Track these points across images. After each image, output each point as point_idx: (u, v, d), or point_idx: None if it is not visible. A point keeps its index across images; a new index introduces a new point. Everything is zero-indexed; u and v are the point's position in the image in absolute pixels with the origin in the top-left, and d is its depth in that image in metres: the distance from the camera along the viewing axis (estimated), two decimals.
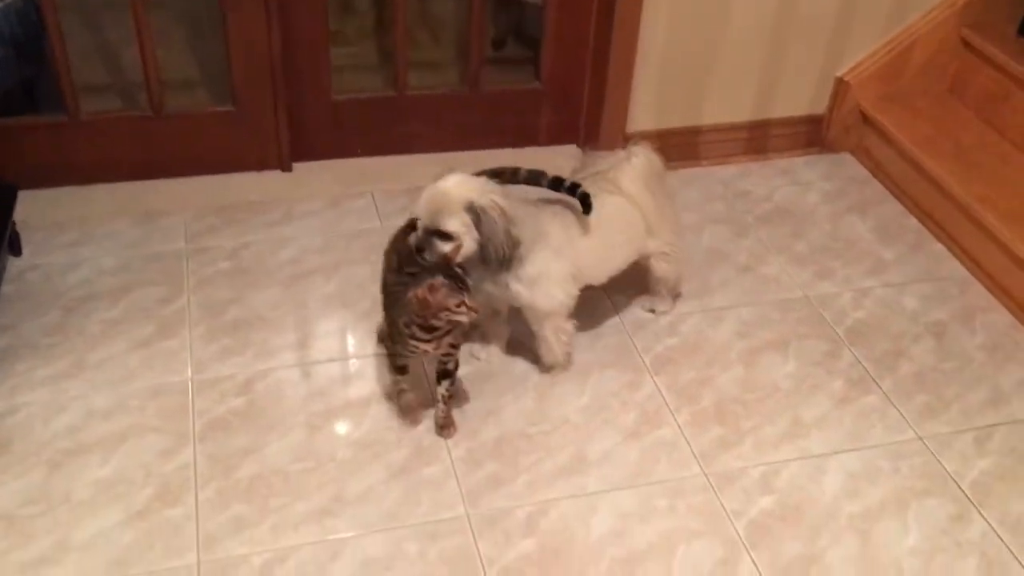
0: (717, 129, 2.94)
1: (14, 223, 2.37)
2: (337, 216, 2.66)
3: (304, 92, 2.74)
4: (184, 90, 3.08)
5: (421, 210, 1.87)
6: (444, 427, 2.01)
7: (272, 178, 2.80)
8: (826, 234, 2.69)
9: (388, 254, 2.00)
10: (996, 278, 2.47)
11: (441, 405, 1.99)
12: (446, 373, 1.96)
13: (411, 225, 1.92)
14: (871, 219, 2.76)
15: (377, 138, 2.89)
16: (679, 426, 2.08)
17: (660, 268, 2.26)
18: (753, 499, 1.93)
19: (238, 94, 2.68)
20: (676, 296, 2.39)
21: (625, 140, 2.87)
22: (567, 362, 2.18)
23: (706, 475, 1.98)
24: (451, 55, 3.42)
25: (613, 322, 2.35)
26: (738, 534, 1.86)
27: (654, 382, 2.19)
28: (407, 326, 1.81)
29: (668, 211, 2.24)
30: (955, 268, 2.57)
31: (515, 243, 1.90)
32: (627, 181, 2.12)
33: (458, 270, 1.80)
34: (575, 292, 2.08)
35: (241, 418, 2.04)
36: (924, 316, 2.40)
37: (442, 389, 1.97)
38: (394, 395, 2.01)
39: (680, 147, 2.93)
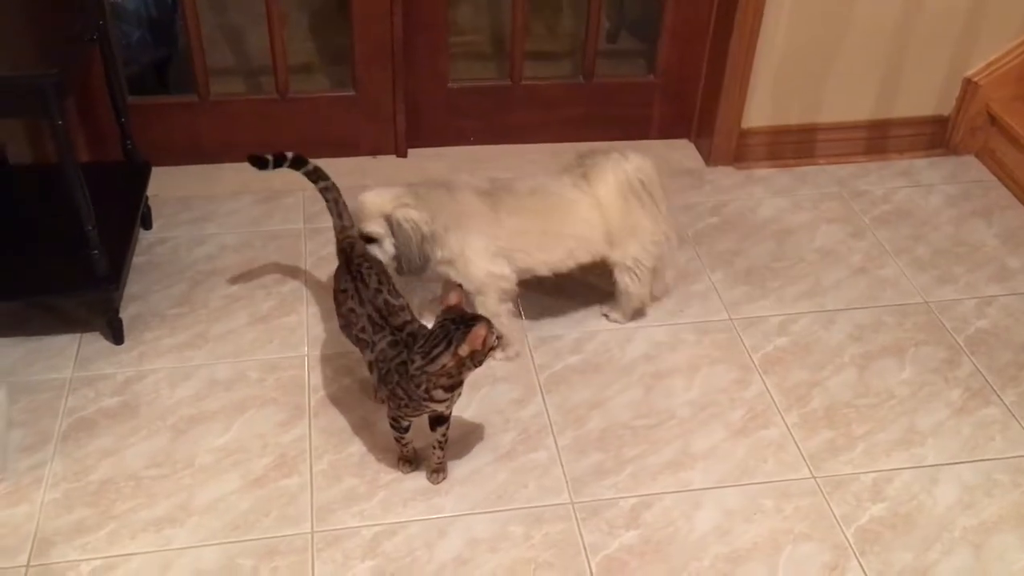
0: (836, 127, 2.88)
1: (147, 198, 2.48)
2: None
3: (422, 78, 2.79)
4: (306, 74, 3.17)
5: (354, 219, 2.03)
6: (437, 472, 1.91)
7: (387, 163, 2.86)
8: (948, 238, 2.61)
9: (370, 333, 1.84)
10: None
11: (438, 451, 1.89)
12: (442, 419, 1.86)
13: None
14: (996, 224, 2.66)
15: (489, 126, 2.92)
16: (787, 427, 2.05)
17: (621, 281, 2.20)
18: (863, 505, 1.89)
19: (359, 78, 2.75)
20: (636, 314, 2.31)
21: (740, 136, 2.84)
22: (506, 345, 2.15)
23: (815, 478, 1.95)
24: (565, 46, 3.42)
25: (722, 319, 2.33)
26: (847, 540, 1.83)
27: (763, 381, 2.16)
28: (428, 392, 1.72)
29: (645, 227, 2.14)
30: None
31: (426, 257, 2.02)
32: (601, 184, 2.09)
33: (468, 312, 1.74)
34: (506, 272, 2.08)
35: (352, 396, 2.10)
36: None
37: (438, 435, 1.87)
38: (398, 451, 1.93)
39: (796, 144, 2.88)
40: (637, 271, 2.18)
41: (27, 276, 2.16)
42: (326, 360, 2.18)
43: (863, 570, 1.77)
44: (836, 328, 2.31)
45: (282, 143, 2.78)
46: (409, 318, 1.82)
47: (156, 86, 3.05)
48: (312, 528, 1.82)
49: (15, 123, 2.53)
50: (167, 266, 2.43)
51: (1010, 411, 2.09)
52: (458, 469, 1.94)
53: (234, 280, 2.39)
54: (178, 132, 2.74)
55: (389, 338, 1.78)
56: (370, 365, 1.83)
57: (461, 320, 1.69)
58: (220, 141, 2.77)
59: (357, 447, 1.98)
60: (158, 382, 2.11)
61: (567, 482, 1.92)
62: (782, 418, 2.07)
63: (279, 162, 2.04)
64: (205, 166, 2.78)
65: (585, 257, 2.15)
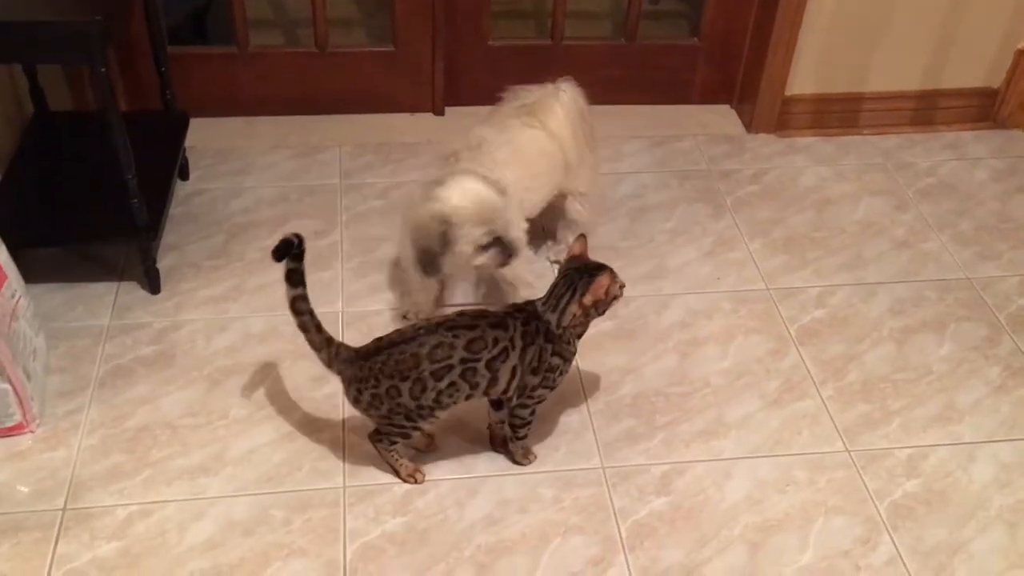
0: (882, 97, 2.82)
1: (185, 149, 2.48)
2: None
3: (462, 36, 2.76)
4: (344, 28, 3.14)
5: (467, 224, 1.84)
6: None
7: (425, 121, 2.84)
8: (993, 214, 2.56)
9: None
10: None
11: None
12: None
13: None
14: None
15: (529, 86, 2.88)
16: (823, 399, 2.04)
17: (574, 209, 2.24)
18: (897, 481, 1.87)
19: (399, 34, 2.72)
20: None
21: (783, 103, 2.79)
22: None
23: (849, 452, 1.93)
24: (608, 6, 3.37)
25: (759, 288, 2.31)
26: (879, 514, 1.81)
27: (799, 352, 2.14)
28: (573, 345, 1.74)
29: (587, 153, 2.20)
30: None
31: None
32: (551, 117, 2.11)
33: (592, 261, 1.74)
34: (525, 226, 2.05)
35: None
36: None
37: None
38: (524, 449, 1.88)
39: (841, 113, 2.83)
40: (587, 193, 2.24)
41: (66, 223, 2.17)
42: (360, 317, 2.18)
43: (895, 545, 1.76)
44: (875, 301, 2.28)
45: (319, 97, 2.79)
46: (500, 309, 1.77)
47: (195, 37, 3.04)
48: (344, 483, 1.83)
49: (56, 70, 2.54)
50: (204, 218, 2.44)
51: None
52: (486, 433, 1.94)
53: (270, 233, 2.39)
54: (216, 83, 2.73)
55: (522, 329, 1.71)
56: (513, 374, 1.71)
57: (585, 269, 1.70)
58: (258, 94, 2.76)
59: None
60: (194, 333, 2.12)
61: (598, 447, 1.92)
62: (817, 390, 2.05)
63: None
64: (243, 119, 2.77)
65: (554, 190, 2.19)
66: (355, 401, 1.73)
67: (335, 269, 2.30)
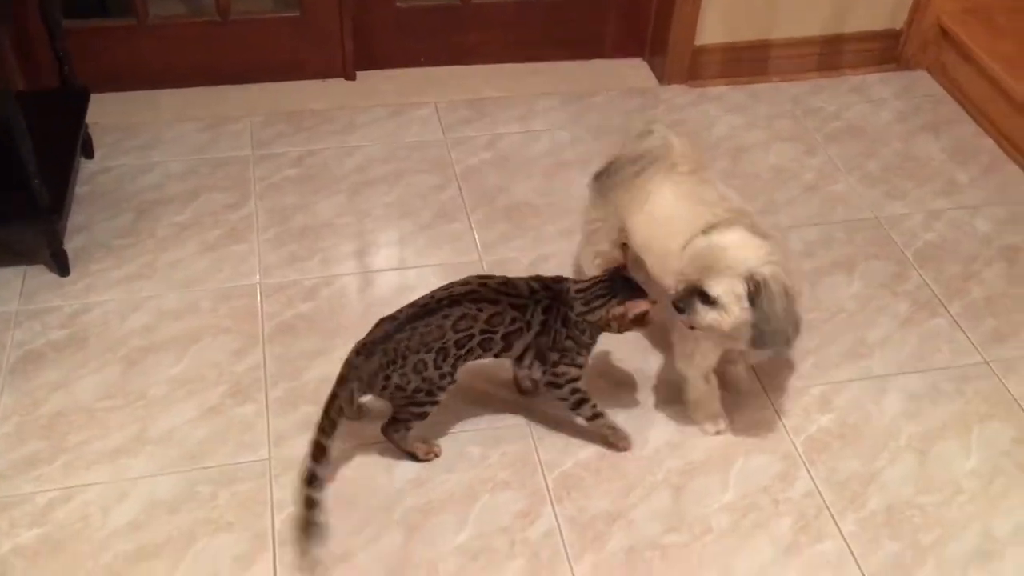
0: (789, 43, 2.86)
1: (87, 126, 2.41)
2: (400, 126, 2.66)
3: None
4: None
5: (687, 262, 1.66)
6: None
7: (336, 86, 2.80)
8: (898, 154, 2.62)
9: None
10: None
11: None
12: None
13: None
14: (945, 139, 2.68)
15: (440, 47, 2.86)
16: None
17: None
18: (812, 417, 1.93)
19: None
20: None
21: (694, 54, 2.81)
22: None
23: (766, 394, 1.98)
24: None
25: None
26: (796, 450, 1.87)
27: None
28: (591, 336, 1.75)
29: None
30: None
31: (796, 324, 1.66)
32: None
33: (631, 276, 1.73)
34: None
35: (308, 322, 2.08)
36: (997, 239, 2.35)
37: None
38: (611, 435, 1.86)
39: (750, 62, 2.86)
40: None
41: None
42: (279, 288, 2.16)
43: (812, 478, 1.82)
44: (787, 245, 2.33)
45: (225, 66, 2.73)
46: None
47: (95, 9, 2.93)
48: (270, 454, 1.82)
49: None
50: (111, 196, 2.37)
51: (956, 322, 2.14)
52: None
53: (181, 209, 2.34)
54: (117, 57, 2.65)
55: (538, 308, 1.74)
56: (526, 348, 1.76)
57: (627, 284, 1.71)
58: (161, 65, 2.68)
59: (313, 374, 1.97)
60: (107, 314, 2.07)
61: (522, 402, 1.94)
62: None
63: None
64: (147, 92, 2.69)
65: None
66: (382, 389, 1.71)
67: (250, 241, 2.27)
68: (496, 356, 1.77)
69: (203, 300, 2.12)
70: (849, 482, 1.82)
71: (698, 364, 1.83)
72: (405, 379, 1.70)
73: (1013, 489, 1.81)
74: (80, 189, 2.37)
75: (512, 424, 1.90)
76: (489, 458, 1.84)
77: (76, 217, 2.30)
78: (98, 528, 1.68)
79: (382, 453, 1.83)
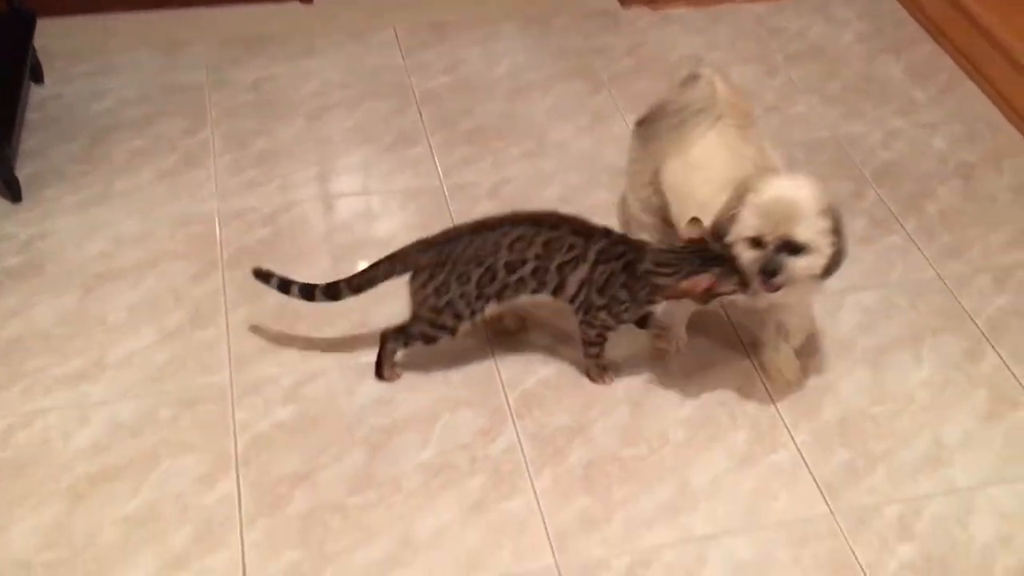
0: None
1: (35, 50, 2.35)
2: (359, 50, 2.62)
3: None
4: None
5: (759, 223, 1.58)
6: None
7: (293, 10, 2.75)
8: (859, 74, 2.62)
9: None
10: None
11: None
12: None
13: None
14: (905, 59, 2.68)
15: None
16: None
17: None
18: None
19: None
20: None
21: None
22: None
23: (743, 343, 2.01)
24: None
25: None
26: (754, 365, 1.90)
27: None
28: (649, 297, 1.70)
29: None
30: (988, 110, 2.52)
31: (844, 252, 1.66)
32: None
33: (714, 247, 1.64)
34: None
35: (268, 247, 2.07)
36: (953, 157, 2.37)
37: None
38: (597, 365, 1.85)
39: None
40: None
41: None
42: (237, 214, 2.14)
43: (767, 391, 1.85)
44: None
45: None
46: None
47: None
48: (231, 377, 1.83)
49: None
50: (64, 122, 2.33)
51: (911, 238, 2.17)
52: (377, 314, 1.95)
53: (136, 135, 2.31)
54: None
55: (602, 242, 1.70)
56: (581, 285, 1.71)
57: (704, 256, 1.63)
58: None
59: (274, 297, 1.96)
60: (62, 240, 2.05)
61: (484, 326, 1.95)
62: None
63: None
64: (98, 16, 2.63)
65: None
66: (420, 288, 1.72)
67: (207, 167, 2.24)
68: (553, 296, 1.74)
69: (160, 226, 2.10)
70: (805, 394, 1.85)
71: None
72: (444, 287, 1.70)
73: (963, 399, 1.85)
74: (31, 115, 2.33)
75: (473, 345, 1.91)
76: (451, 378, 1.86)
77: (28, 143, 2.25)
78: (59, 452, 1.69)
79: (344, 375, 1.84)
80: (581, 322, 1.79)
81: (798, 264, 1.59)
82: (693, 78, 1.86)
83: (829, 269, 1.63)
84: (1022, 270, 2.10)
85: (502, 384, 1.85)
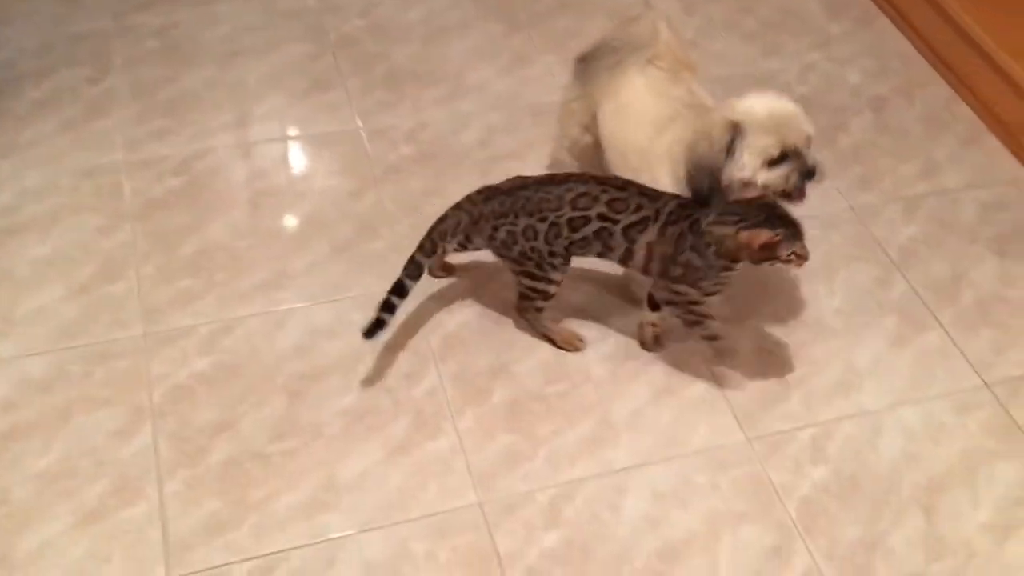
0: None
1: None
2: None
3: None
4: None
5: (770, 140, 1.58)
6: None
7: None
8: (776, 9, 2.63)
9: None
10: (939, 52, 2.46)
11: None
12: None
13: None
14: None
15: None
16: None
17: None
18: None
19: None
20: None
21: None
22: None
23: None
24: None
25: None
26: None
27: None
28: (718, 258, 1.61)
29: None
30: (900, 43, 2.55)
31: None
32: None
33: (783, 210, 1.59)
34: None
35: (180, 197, 2.03)
36: (866, 90, 2.40)
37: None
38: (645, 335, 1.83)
39: None
40: None
41: None
42: (146, 164, 2.08)
43: None
44: None
45: None
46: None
47: None
48: (144, 330, 1.79)
49: None
50: None
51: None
52: (294, 263, 1.92)
53: (37, 85, 2.22)
54: None
55: (672, 204, 1.62)
56: (650, 251, 1.64)
57: (772, 214, 1.56)
58: None
59: (188, 248, 1.93)
60: None
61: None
62: None
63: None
64: None
65: None
66: (490, 238, 1.69)
67: (113, 117, 2.17)
68: (623, 264, 1.68)
69: (66, 178, 2.03)
70: (722, 328, 1.88)
71: None
72: (512, 238, 1.67)
73: (873, 326, 1.90)
74: None
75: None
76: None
77: None
78: None
79: (263, 323, 1.82)
80: (664, 303, 1.71)
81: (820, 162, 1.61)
82: (637, 17, 1.85)
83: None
84: (931, 200, 2.15)
85: (424, 327, 1.84)
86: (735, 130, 1.58)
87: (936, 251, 2.04)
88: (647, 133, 1.73)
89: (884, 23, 2.61)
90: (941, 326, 1.90)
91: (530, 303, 1.78)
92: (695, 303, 1.68)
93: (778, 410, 1.76)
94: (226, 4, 2.49)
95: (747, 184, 1.60)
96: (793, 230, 1.55)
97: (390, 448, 1.66)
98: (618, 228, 1.63)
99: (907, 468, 1.68)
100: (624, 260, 1.68)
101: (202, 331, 1.80)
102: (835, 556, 1.57)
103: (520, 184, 1.69)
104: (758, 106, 1.60)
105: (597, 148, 1.90)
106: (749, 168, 1.59)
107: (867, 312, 1.92)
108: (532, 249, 1.67)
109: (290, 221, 2.01)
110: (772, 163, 1.59)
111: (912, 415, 1.76)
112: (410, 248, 1.73)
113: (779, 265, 1.58)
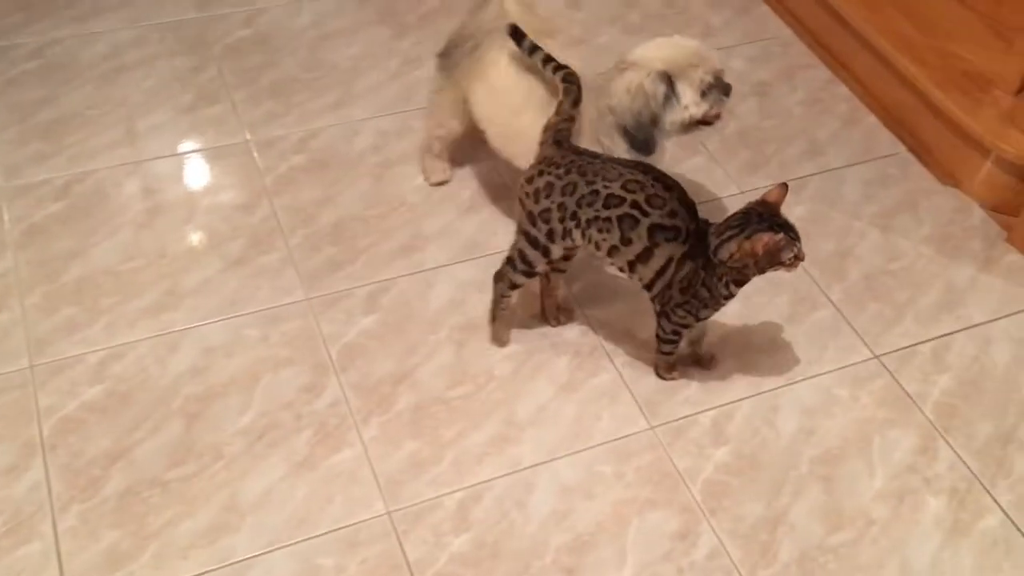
0: None
1: None
2: (149, 6, 2.49)
3: None
4: None
5: (701, 73, 1.71)
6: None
7: None
8: (660, 2, 2.67)
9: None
10: (818, 35, 2.53)
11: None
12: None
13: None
14: None
15: None
16: None
17: None
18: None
19: None
20: None
21: None
22: None
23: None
24: None
25: None
26: (571, 289, 1.94)
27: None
28: (727, 285, 1.62)
29: None
30: (779, 28, 2.61)
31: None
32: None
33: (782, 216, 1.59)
34: None
35: (62, 222, 1.96)
36: (750, 76, 2.46)
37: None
38: (669, 362, 1.81)
39: None
40: None
41: None
42: (24, 190, 2.01)
43: (586, 318, 1.90)
44: None
45: None
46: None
47: None
48: (31, 362, 1.73)
49: None
50: None
51: (713, 158, 2.24)
52: (185, 281, 1.88)
53: None
54: None
55: (695, 231, 1.60)
56: (665, 266, 1.62)
57: (767, 218, 1.56)
58: None
59: (72, 274, 1.87)
60: None
61: (300, 279, 1.91)
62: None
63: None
64: None
65: None
66: (528, 180, 1.64)
67: None
68: (630, 269, 1.64)
69: None
70: (621, 319, 1.91)
71: None
72: (549, 188, 1.61)
73: (767, 306, 1.94)
74: None
75: (290, 302, 1.87)
76: (269, 338, 1.82)
77: None
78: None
79: (153, 347, 1.77)
80: (658, 314, 1.71)
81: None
82: (484, 2, 1.86)
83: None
84: (815, 180, 2.21)
85: (323, 339, 1.82)
86: (666, 78, 1.69)
87: (823, 229, 2.10)
88: (523, 112, 1.77)
89: (763, 10, 2.67)
90: (831, 303, 1.96)
91: (511, 272, 1.74)
92: (686, 327, 1.71)
93: (679, 396, 1.79)
94: (105, 20, 2.43)
95: (688, 121, 1.74)
96: (792, 233, 1.58)
97: (293, 463, 1.64)
98: (645, 222, 1.58)
99: (804, 443, 1.73)
100: (632, 266, 1.64)
101: (90, 359, 1.74)
102: (739, 534, 1.60)
103: (584, 149, 1.66)
104: (669, 50, 1.72)
105: (475, 133, 1.92)
106: (692, 103, 1.72)
107: (761, 292, 1.96)
108: (561, 206, 1.61)
109: (179, 239, 1.96)
110: (704, 93, 1.72)
111: (807, 390, 1.81)
112: (304, 260, 1.71)
113: (780, 271, 1.60)
